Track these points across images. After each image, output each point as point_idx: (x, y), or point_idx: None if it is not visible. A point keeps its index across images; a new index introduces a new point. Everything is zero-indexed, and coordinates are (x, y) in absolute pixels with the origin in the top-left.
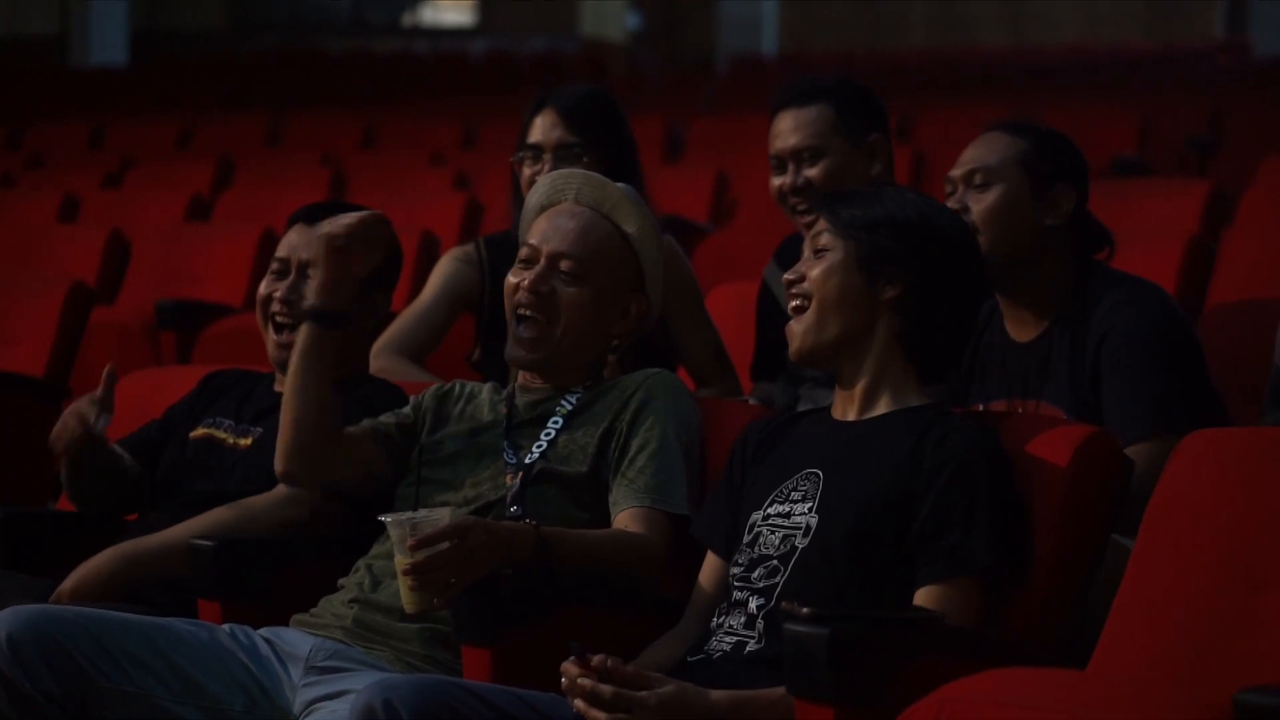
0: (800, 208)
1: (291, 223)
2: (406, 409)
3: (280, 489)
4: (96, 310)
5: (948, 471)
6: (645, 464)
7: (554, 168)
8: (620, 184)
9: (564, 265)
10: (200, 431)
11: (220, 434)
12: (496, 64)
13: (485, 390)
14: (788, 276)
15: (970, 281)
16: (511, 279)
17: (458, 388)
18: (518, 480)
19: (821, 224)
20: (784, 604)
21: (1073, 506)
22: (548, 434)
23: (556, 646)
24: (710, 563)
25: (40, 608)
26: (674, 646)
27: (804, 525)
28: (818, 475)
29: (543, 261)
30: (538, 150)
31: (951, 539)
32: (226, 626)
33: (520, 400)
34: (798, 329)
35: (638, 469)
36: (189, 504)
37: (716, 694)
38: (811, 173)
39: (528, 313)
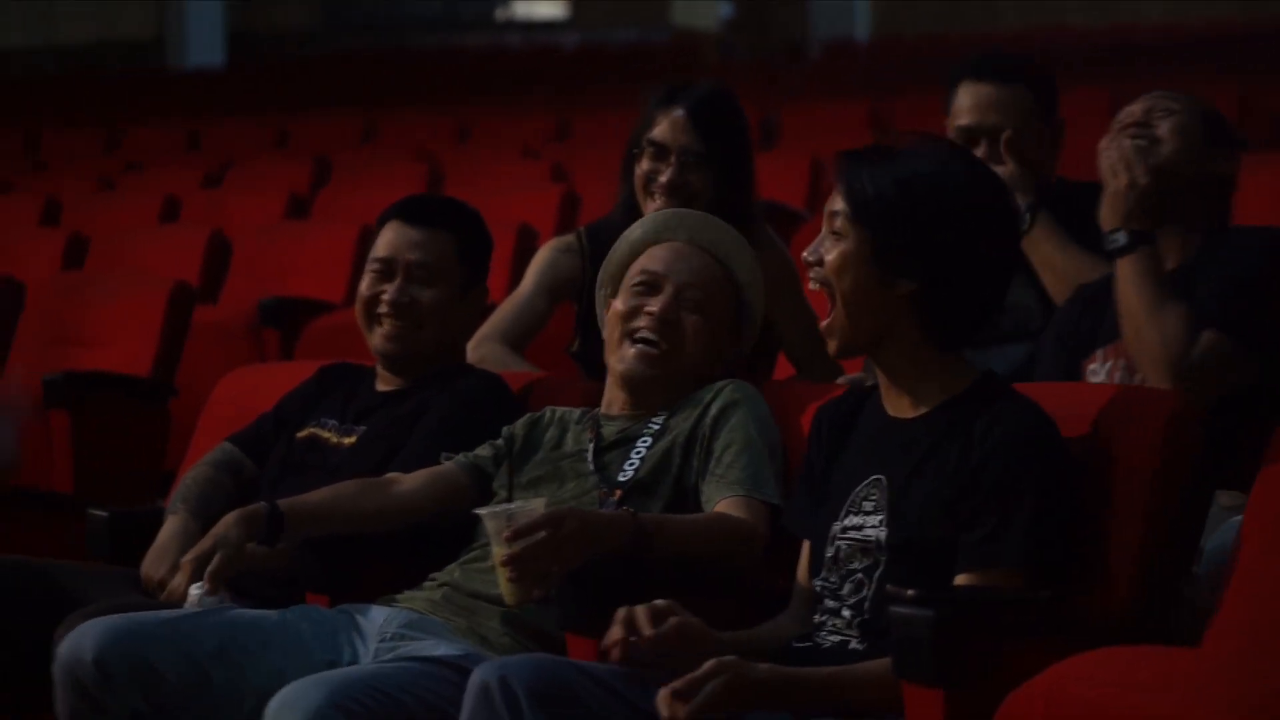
0: None
1: (385, 219)
2: (500, 440)
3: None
4: (199, 309)
5: (993, 464)
6: (734, 460)
7: (677, 171)
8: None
9: (692, 295)
10: (306, 431)
11: (325, 433)
12: (588, 56)
13: (575, 414)
14: (805, 256)
15: (995, 245)
16: (629, 302)
17: (548, 414)
18: (615, 497)
19: (838, 199)
20: (889, 587)
21: (1163, 482)
22: (638, 452)
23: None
24: (807, 552)
25: (126, 621)
26: (781, 630)
27: (876, 539)
28: (883, 482)
29: (670, 290)
30: (662, 149)
31: (987, 530)
32: (297, 609)
33: (605, 428)
34: (831, 330)
35: (726, 465)
36: None
37: (763, 667)
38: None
39: (653, 337)
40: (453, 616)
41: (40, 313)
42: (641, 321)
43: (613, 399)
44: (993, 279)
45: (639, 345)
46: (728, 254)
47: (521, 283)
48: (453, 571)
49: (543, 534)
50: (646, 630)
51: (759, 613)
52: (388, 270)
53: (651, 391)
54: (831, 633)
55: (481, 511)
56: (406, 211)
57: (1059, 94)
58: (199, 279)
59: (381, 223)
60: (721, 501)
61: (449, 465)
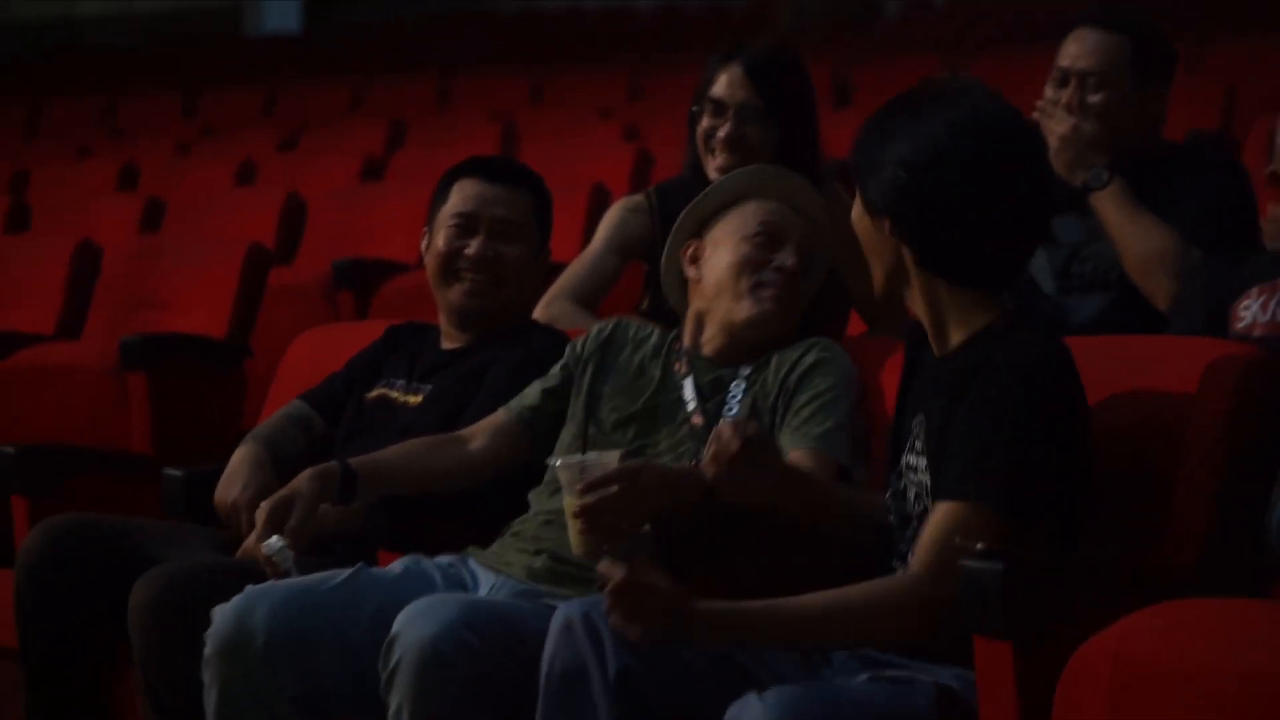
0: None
1: (456, 177)
2: (555, 370)
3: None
4: (275, 271)
5: (981, 391)
6: (812, 414)
7: (735, 125)
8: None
9: (808, 259)
10: (375, 393)
11: (393, 394)
12: (663, 18)
13: (653, 339)
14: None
15: (974, 179)
16: (751, 253)
17: (620, 329)
18: None
19: None
20: (956, 540)
21: (1235, 435)
22: (734, 397)
23: (731, 586)
24: None
25: (295, 593)
26: (869, 503)
27: (922, 483)
28: (923, 422)
29: (794, 249)
30: (720, 105)
31: (966, 459)
32: (417, 563)
33: (698, 371)
34: (870, 278)
35: (803, 418)
36: None
37: (708, 605)
38: (1094, 98)
39: (784, 294)
40: (558, 588)
41: (117, 276)
42: (772, 276)
43: (708, 340)
44: (979, 212)
45: (771, 291)
46: (812, 210)
47: (591, 242)
48: (541, 535)
49: (616, 488)
50: (733, 444)
51: (828, 565)
52: (469, 226)
53: (757, 341)
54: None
55: (555, 462)
56: (483, 169)
57: (1173, 65)
58: (275, 242)
59: (450, 181)
60: (793, 452)
61: (505, 416)
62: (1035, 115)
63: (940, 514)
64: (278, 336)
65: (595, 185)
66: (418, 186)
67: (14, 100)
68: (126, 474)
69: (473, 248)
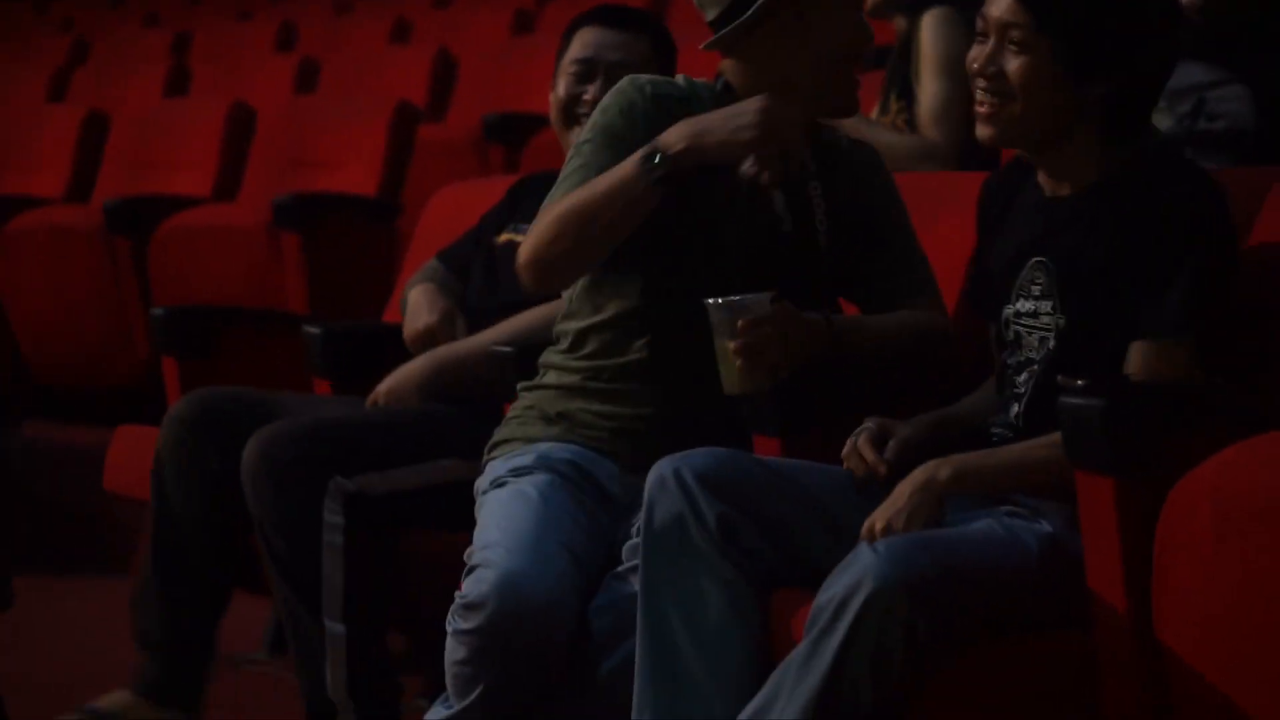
0: None
1: (578, 25)
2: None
3: None
4: (426, 127)
5: (1159, 230)
6: (914, 249)
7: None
8: None
9: None
10: (504, 238)
11: (519, 238)
12: None
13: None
14: (975, 68)
15: (1177, 32)
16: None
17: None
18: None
19: (1010, 9)
20: (1060, 378)
21: None
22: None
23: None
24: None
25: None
26: (980, 405)
27: (1054, 326)
28: (1046, 265)
29: None
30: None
31: (1157, 299)
32: None
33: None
34: (997, 119)
35: (907, 256)
36: (495, 311)
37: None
38: None
39: None
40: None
41: (271, 137)
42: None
43: None
44: (1172, 60)
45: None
46: None
47: None
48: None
49: (770, 328)
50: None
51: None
52: (588, 72)
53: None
54: (1000, 427)
55: (711, 302)
56: (602, 16)
57: None
58: (426, 98)
59: (572, 30)
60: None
61: None
62: None
63: (1136, 356)
64: (430, 192)
65: None
66: None
67: None
68: (276, 333)
69: (590, 93)
